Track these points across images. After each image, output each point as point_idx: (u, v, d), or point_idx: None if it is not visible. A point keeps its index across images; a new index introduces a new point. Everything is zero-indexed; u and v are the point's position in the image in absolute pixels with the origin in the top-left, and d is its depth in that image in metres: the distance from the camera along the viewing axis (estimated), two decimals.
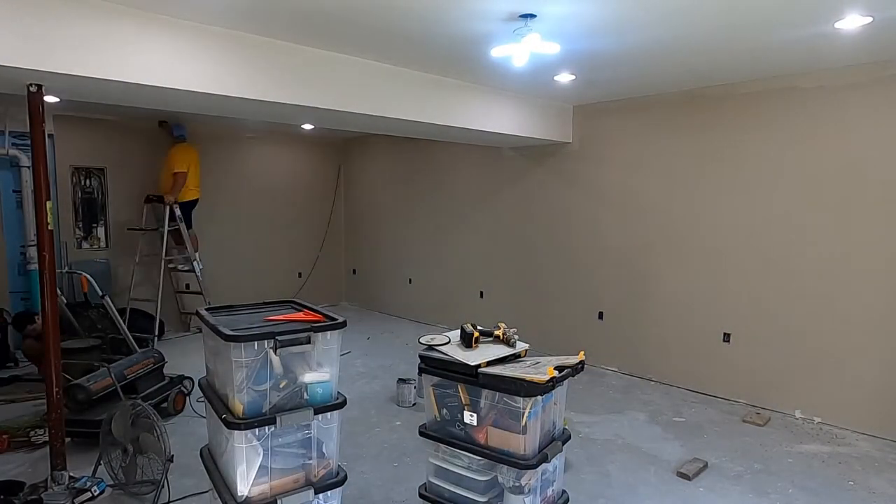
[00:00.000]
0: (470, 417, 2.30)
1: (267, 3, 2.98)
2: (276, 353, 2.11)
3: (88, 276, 5.20)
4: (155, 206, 6.51)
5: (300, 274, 8.45)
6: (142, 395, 3.94)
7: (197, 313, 2.43)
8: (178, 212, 6.28)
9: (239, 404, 2.09)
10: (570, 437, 2.48)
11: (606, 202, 5.53)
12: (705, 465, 3.53)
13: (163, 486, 3.03)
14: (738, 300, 4.68)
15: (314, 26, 3.34)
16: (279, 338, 2.10)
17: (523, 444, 2.18)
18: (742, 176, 4.60)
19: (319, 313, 2.36)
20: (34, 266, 5.33)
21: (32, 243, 5.45)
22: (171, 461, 3.03)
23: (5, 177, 5.99)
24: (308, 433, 2.23)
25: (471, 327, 2.43)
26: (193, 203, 6.67)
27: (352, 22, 3.25)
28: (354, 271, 8.79)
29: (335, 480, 2.27)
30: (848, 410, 4.14)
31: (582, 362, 2.34)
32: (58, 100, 3.61)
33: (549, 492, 2.39)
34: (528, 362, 2.34)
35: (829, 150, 4.16)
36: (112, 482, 3.19)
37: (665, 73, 4.37)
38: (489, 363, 2.27)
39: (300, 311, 2.45)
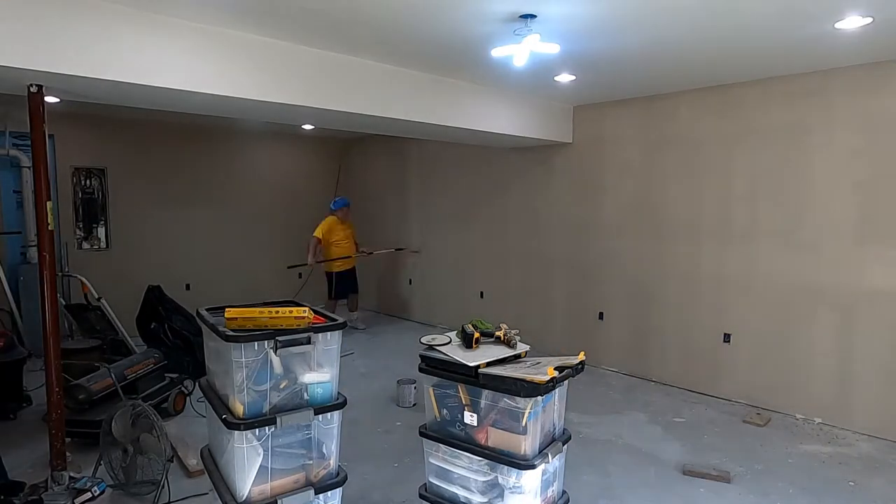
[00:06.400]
0: (470, 418, 2.30)
1: (268, 4, 2.98)
2: (276, 353, 2.11)
3: (85, 280, 5.22)
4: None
5: (300, 274, 8.43)
6: (142, 395, 3.94)
7: (197, 313, 2.43)
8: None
9: (239, 405, 2.09)
10: (570, 438, 2.48)
11: (606, 202, 5.53)
12: (706, 466, 3.53)
13: (163, 487, 3.03)
14: (739, 300, 4.68)
15: (315, 27, 3.34)
16: (279, 338, 2.10)
17: (523, 444, 2.18)
18: (743, 176, 4.60)
19: (320, 314, 2.36)
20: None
21: (33, 244, 5.46)
22: (172, 461, 3.03)
23: (6, 177, 6.00)
24: (308, 433, 2.23)
25: (471, 328, 2.43)
26: (343, 273, 7.09)
27: (353, 23, 3.25)
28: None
29: (335, 481, 2.28)
30: (848, 411, 4.14)
31: (582, 362, 2.34)
32: (58, 100, 3.61)
33: (550, 492, 2.39)
34: (529, 362, 2.34)
35: (829, 150, 4.16)
36: (112, 482, 3.19)
37: (665, 74, 4.37)
38: (489, 364, 2.27)
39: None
